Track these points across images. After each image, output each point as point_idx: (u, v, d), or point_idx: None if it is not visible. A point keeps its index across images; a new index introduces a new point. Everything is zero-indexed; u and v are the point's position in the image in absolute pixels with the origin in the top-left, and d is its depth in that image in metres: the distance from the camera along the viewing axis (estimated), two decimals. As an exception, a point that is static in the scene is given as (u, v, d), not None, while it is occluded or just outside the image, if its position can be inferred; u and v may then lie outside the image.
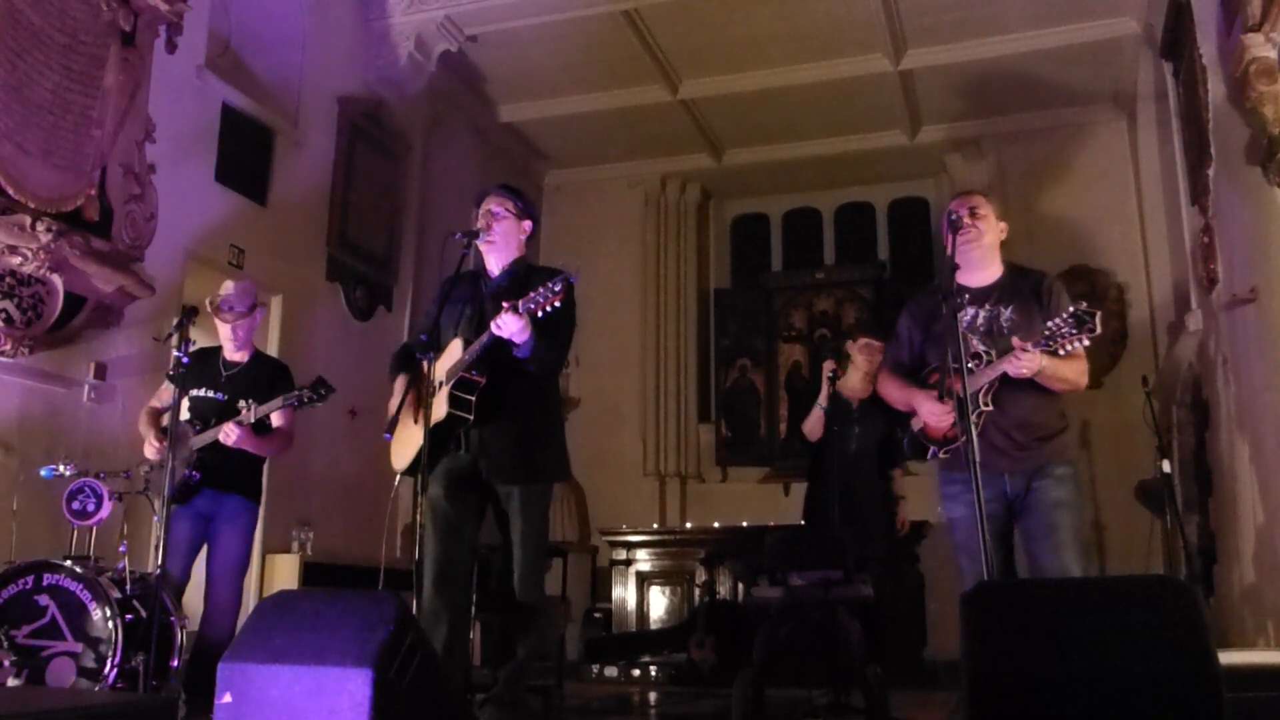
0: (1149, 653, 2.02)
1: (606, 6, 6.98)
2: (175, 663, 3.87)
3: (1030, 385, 3.32)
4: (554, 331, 3.46)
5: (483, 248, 3.67)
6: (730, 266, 10.04)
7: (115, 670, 3.62)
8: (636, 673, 7.15)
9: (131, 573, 3.91)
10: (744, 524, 7.79)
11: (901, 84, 7.89)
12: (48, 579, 3.75)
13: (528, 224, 3.75)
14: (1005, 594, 2.38)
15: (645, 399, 9.14)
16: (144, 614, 3.74)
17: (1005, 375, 3.28)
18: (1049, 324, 3.21)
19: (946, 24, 7.19)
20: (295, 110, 6.50)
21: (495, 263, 3.71)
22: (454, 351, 3.53)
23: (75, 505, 3.95)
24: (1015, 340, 3.25)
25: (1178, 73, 6.26)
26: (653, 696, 6.27)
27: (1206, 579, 5.78)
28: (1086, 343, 3.18)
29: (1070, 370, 3.32)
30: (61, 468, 4.07)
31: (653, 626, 7.82)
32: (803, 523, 5.72)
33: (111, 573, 3.88)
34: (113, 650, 3.63)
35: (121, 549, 4.01)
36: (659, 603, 7.95)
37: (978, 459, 2.98)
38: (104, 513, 3.95)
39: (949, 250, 3.34)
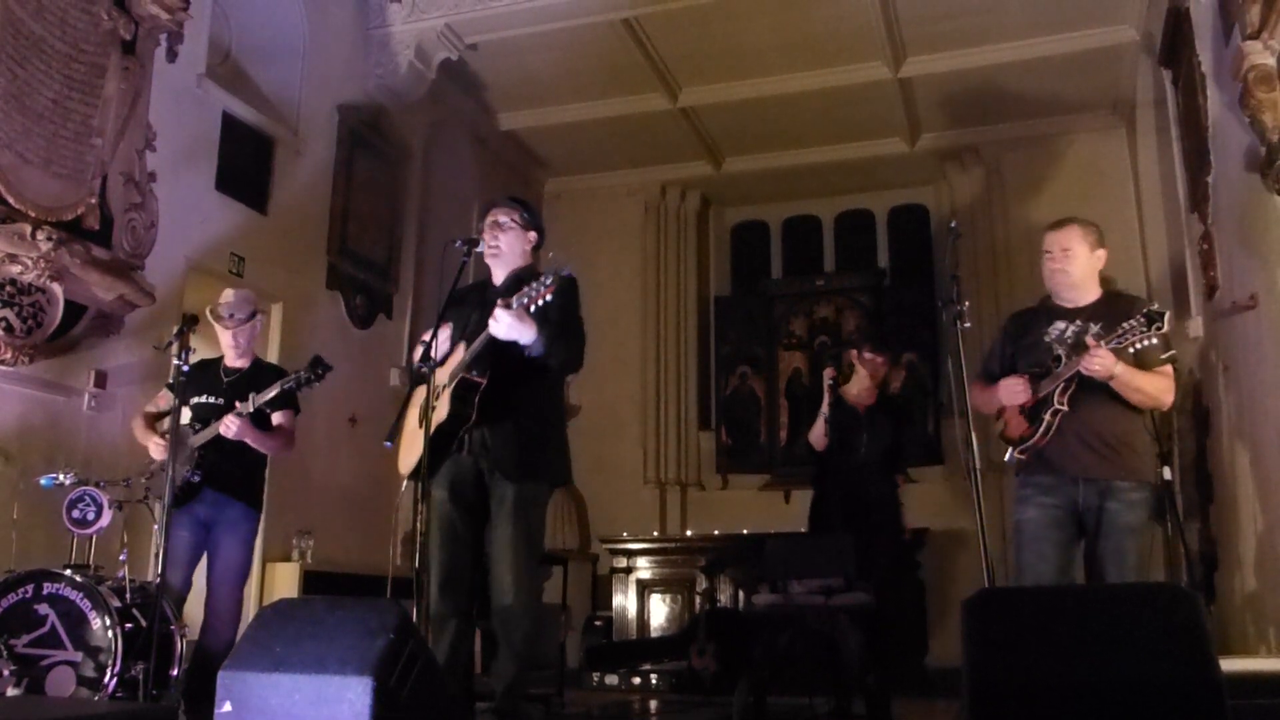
0: (1151, 660, 2.02)
1: (606, 15, 6.99)
2: (175, 671, 3.86)
3: (1108, 394, 3.41)
4: (563, 330, 3.46)
5: (488, 258, 3.68)
6: (730, 274, 10.04)
7: (115, 679, 3.61)
8: (637, 681, 7.13)
9: (131, 581, 3.91)
10: (744, 531, 7.78)
11: (901, 91, 7.89)
12: (47, 588, 3.75)
13: (533, 235, 3.76)
14: (1007, 601, 2.38)
15: (645, 406, 9.13)
16: (144, 623, 3.74)
17: (1084, 380, 3.37)
18: (1121, 325, 3.30)
19: (945, 32, 7.20)
20: (295, 118, 6.51)
21: (500, 272, 3.72)
22: (459, 356, 3.54)
23: (75, 514, 3.94)
24: (1089, 339, 3.33)
25: (1177, 80, 6.27)
26: (653, 705, 6.26)
27: (1208, 586, 5.76)
28: (1155, 341, 3.28)
29: (1149, 383, 3.41)
30: (61, 476, 4.07)
31: (653, 634, 7.80)
32: (809, 530, 5.71)
33: (111, 581, 3.88)
34: (112, 659, 3.62)
35: (121, 558, 4.00)
36: (659, 610, 7.94)
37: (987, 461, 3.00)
38: (104, 521, 3.95)
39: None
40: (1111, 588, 3.13)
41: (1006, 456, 3.56)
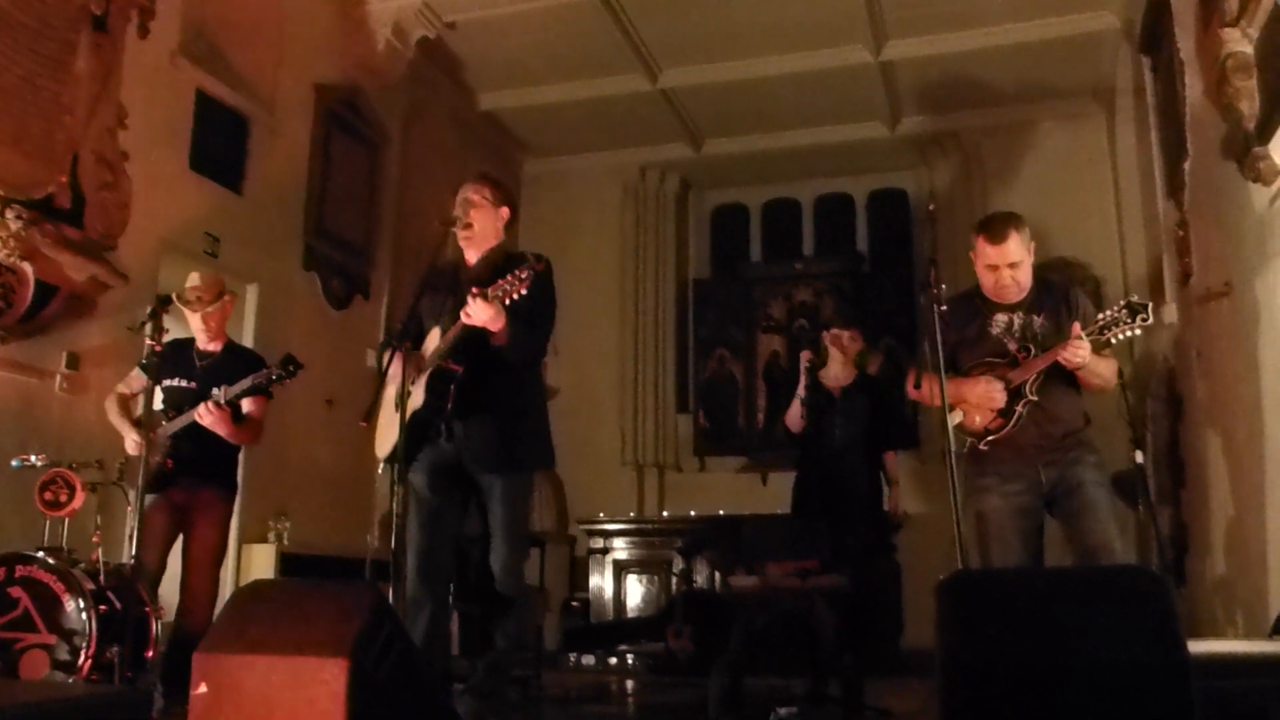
0: (1120, 642, 2.04)
1: (586, -5, 6.95)
2: (151, 654, 3.84)
3: (1067, 383, 3.49)
4: (534, 320, 3.45)
5: (461, 237, 3.66)
6: (709, 257, 10.04)
7: (90, 662, 3.59)
8: (614, 662, 7.16)
9: (105, 564, 3.87)
10: (721, 513, 7.81)
11: (882, 75, 7.89)
12: (20, 571, 3.71)
13: (505, 211, 3.74)
14: (980, 584, 2.40)
15: (624, 389, 9.13)
16: (118, 605, 3.72)
17: (1047, 371, 3.42)
18: (1101, 314, 3.37)
19: (927, 16, 7.20)
20: (271, 97, 6.43)
21: (474, 251, 3.70)
22: (434, 341, 3.53)
23: (47, 496, 3.91)
24: (1075, 327, 3.37)
25: (1156, 67, 6.29)
26: (630, 686, 6.29)
27: (1178, 569, 5.84)
28: (1139, 332, 3.33)
29: (1105, 368, 3.49)
30: (33, 458, 4.04)
31: (630, 615, 7.83)
32: (791, 513, 5.72)
33: (85, 564, 3.85)
34: (87, 642, 3.60)
35: (95, 540, 3.97)
36: (636, 592, 7.96)
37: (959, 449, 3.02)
38: (76, 503, 3.91)
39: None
40: (1083, 570, 3.16)
41: (965, 447, 3.56)
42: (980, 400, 3.49)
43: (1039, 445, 3.47)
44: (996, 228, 3.57)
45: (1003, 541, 3.46)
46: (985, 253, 3.56)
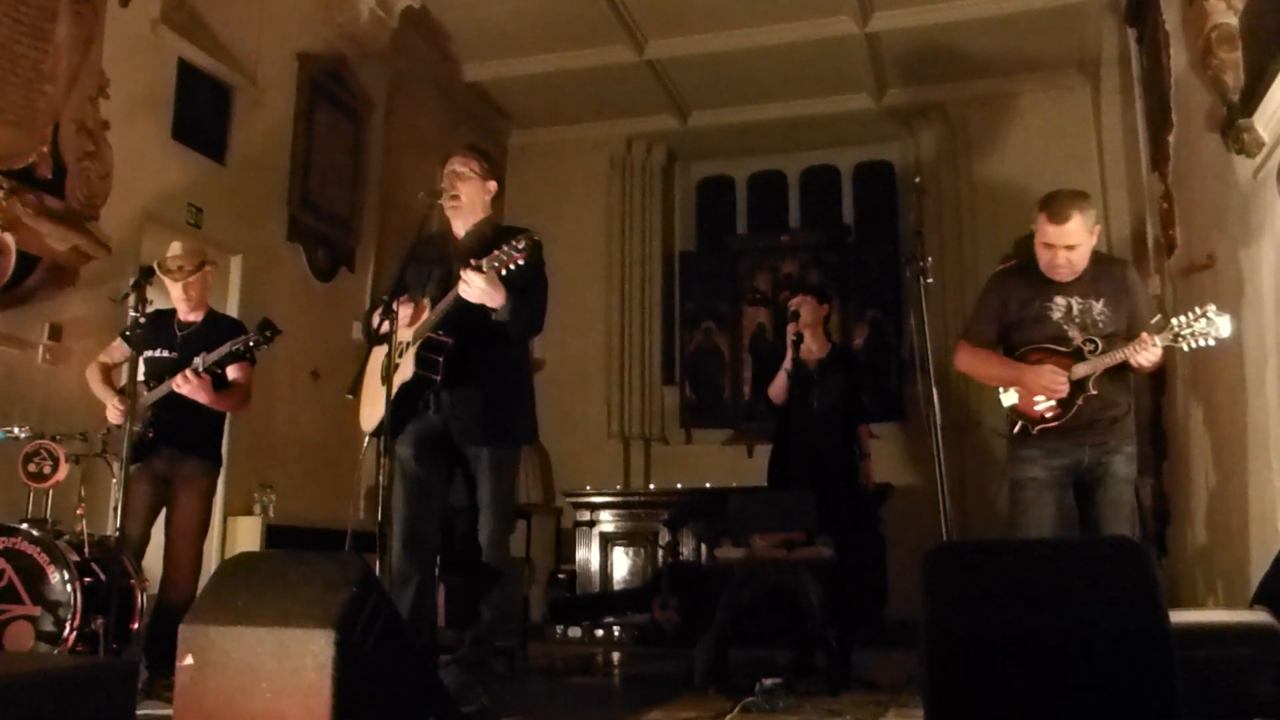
0: (1103, 612, 2.06)
1: (572, -36, 6.88)
2: (136, 625, 3.85)
3: (1120, 368, 3.49)
4: (528, 294, 3.45)
5: (448, 209, 3.65)
6: (695, 229, 10.02)
7: (75, 633, 3.59)
8: (600, 634, 7.20)
9: (90, 535, 3.87)
10: (707, 485, 7.84)
11: (868, 46, 7.86)
12: (4, 542, 3.71)
13: (492, 184, 3.73)
14: (965, 555, 2.41)
15: (610, 361, 9.13)
16: (103, 577, 3.71)
17: None
18: (1176, 320, 3.35)
19: (914, -13, 7.17)
20: (254, 67, 6.36)
21: (461, 224, 3.69)
22: (423, 313, 3.52)
23: (31, 467, 3.90)
24: (1144, 335, 3.39)
25: (1141, 39, 6.29)
26: (616, 657, 6.33)
27: (1160, 540, 5.89)
28: (1213, 343, 3.34)
29: (1161, 356, 3.49)
30: (16, 430, 4.01)
31: (616, 587, 7.87)
32: (767, 485, 5.75)
33: (69, 536, 3.85)
34: (72, 614, 3.60)
35: (79, 512, 3.96)
36: (622, 564, 8.01)
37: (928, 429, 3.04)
38: (60, 475, 3.90)
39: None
40: (1066, 542, 3.20)
41: (1016, 429, 3.59)
42: (1044, 391, 3.49)
43: (1090, 428, 3.50)
44: (1059, 207, 3.45)
45: (1040, 507, 3.50)
46: (1045, 231, 3.48)
